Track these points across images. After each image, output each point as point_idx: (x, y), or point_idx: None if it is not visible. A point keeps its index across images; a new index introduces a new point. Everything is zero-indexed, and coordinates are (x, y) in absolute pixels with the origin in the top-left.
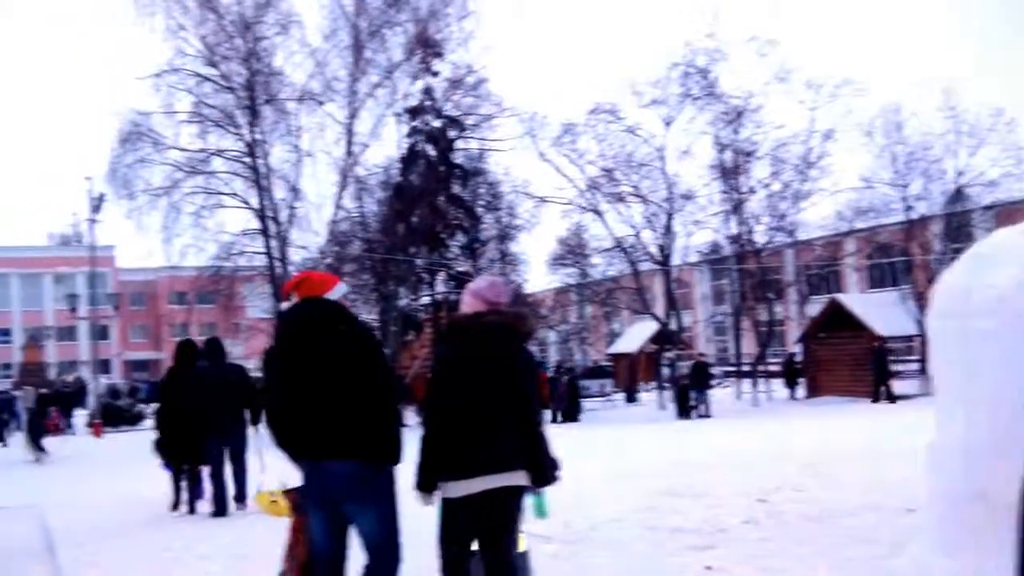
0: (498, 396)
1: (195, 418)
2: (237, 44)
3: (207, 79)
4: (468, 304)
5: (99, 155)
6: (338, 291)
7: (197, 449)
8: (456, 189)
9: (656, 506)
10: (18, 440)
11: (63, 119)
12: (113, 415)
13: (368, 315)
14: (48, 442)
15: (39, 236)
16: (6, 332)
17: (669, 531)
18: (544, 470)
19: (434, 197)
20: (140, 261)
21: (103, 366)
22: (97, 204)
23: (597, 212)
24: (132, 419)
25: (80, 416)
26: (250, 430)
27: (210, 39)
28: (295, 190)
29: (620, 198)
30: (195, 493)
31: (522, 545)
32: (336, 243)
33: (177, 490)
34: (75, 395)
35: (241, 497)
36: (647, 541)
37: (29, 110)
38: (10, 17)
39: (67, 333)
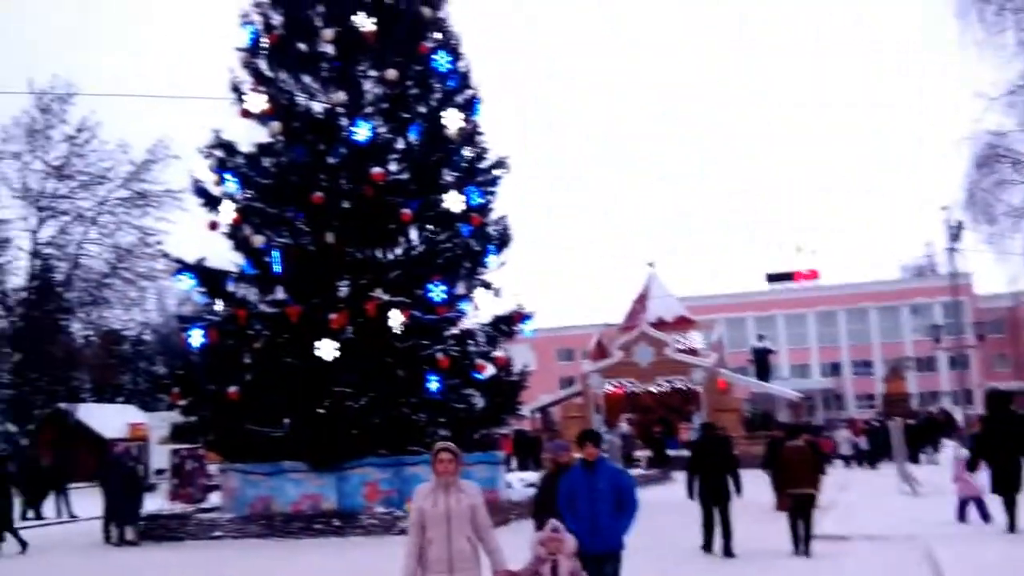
0: None
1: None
2: None
3: None
4: None
5: (952, 183)
6: None
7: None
8: None
9: None
10: (892, 470)
11: (911, 155)
12: None
13: None
14: (919, 472)
15: (892, 269)
16: (867, 364)
17: None
18: None
19: None
20: (1000, 287)
21: (966, 396)
22: (956, 232)
23: None
24: None
25: (948, 447)
26: None
27: None
28: None
29: None
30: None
31: None
32: None
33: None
34: (942, 426)
35: None
36: None
37: (876, 151)
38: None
39: (926, 363)
